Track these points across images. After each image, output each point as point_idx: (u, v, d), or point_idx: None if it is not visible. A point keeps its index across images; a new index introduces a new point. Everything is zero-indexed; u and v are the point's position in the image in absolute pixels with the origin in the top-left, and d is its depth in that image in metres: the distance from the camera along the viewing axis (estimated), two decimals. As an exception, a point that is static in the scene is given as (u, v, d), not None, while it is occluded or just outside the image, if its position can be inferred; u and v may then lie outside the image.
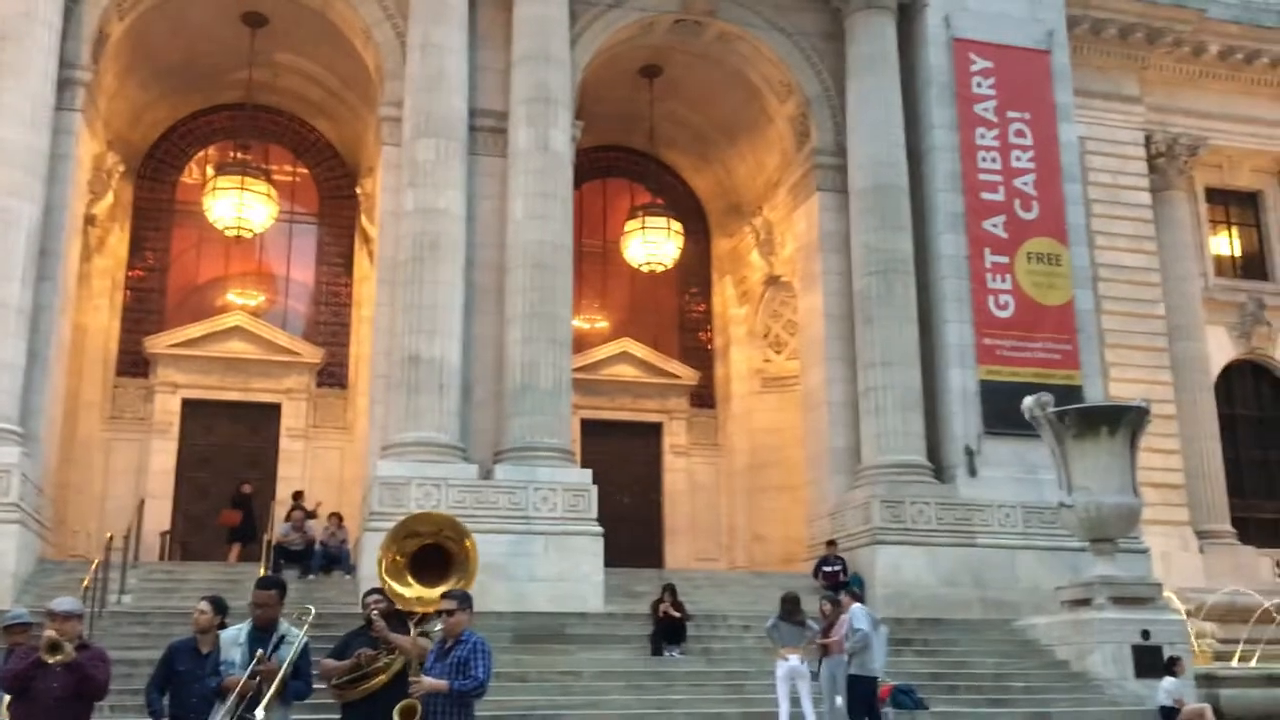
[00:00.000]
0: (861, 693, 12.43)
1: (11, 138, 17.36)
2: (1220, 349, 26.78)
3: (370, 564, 16.42)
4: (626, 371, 25.03)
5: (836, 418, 21.05)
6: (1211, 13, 26.51)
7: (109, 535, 16.61)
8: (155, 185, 24.10)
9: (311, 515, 19.87)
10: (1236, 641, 19.95)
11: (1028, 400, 17.09)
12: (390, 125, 19.78)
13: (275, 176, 22.92)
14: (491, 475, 18.04)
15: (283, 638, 6.95)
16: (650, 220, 23.74)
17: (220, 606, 7.62)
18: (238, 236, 21.97)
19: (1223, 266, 27.95)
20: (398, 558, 7.37)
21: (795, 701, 12.77)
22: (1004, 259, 20.88)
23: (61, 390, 19.30)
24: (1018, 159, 21.42)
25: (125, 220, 23.49)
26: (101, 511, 21.30)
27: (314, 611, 7.42)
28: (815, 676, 12.99)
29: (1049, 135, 21.77)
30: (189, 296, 23.96)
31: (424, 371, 18.01)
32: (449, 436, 18.01)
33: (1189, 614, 19.51)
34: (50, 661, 6.72)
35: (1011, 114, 21.65)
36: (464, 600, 7.18)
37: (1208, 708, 14.75)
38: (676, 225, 23.96)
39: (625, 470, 23.86)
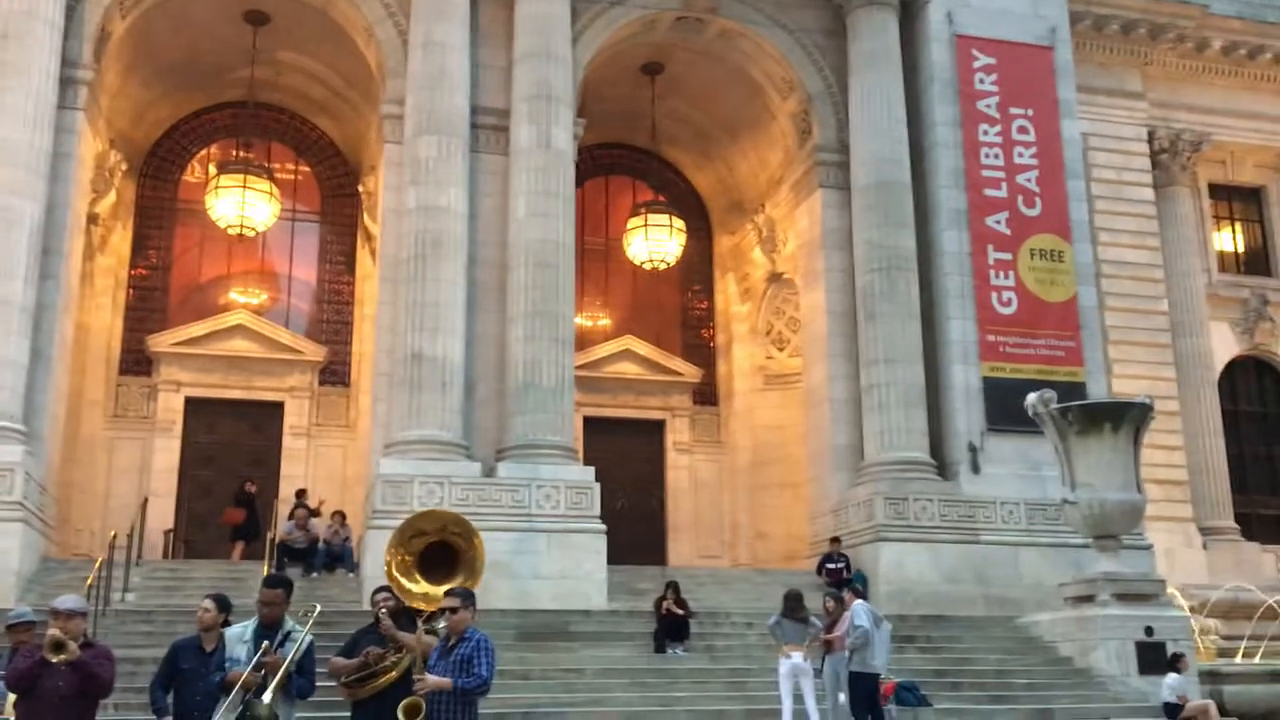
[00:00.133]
0: (863, 690, 12.43)
1: (14, 136, 17.36)
2: (1224, 345, 26.73)
3: (373, 562, 16.50)
4: (629, 369, 25.03)
5: (839, 414, 21.04)
6: (1214, 8, 26.46)
7: (112, 534, 16.62)
8: (158, 183, 24.11)
9: (314, 513, 19.89)
10: (1240, 638, 19.94)
11: (1031, 397, 17.06)
12: (392, 123, 19.77)
13: (277, 175, 22.93)
14: (494, 473, 18.05)
15: (288, 634, 6.96)
16: (652, 218, 23.74)
17: (224, 605, 7.62)
18: (240, 235, 21.97)
19: (1226, 262, 27.90)
20: (406, 557, 7.38)
21: (798, 699, 12.76)
22: (1007, 255, 20.86)
23: (65, 389, 19.32)
24: (1020, 155, 21.40)
25: (128, 218, 23.51)
26: (105, 510, 21.33)
27: (319, 609, 7.44)
28: (818, 674, 12.98)
29: (1052, 131, 21.74)
30: (192, 295, 23.98)
31: (426, 369, 18.01)
32: (452, 434, 18.02)
33: (1192, 610, 19.50)
34: (54, 660, 6.72)
35: (1014, 110, 21.63)
36: (467, 598, 7.18)
37: (1211, 704, 14.73)
38: (679, 223, 23.96)
39: (628, 468, 23.87)
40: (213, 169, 23.07)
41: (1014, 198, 21.19)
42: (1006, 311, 20.64)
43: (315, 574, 18.49)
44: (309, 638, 6.96)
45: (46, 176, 17.81)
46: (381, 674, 7.54)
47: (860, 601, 13.04)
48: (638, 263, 24.10)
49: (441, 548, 7.52)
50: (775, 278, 24.53)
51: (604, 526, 18.03)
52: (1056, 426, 16.67)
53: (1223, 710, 14.93)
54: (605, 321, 25.80)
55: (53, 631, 6.79)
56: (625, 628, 16.67)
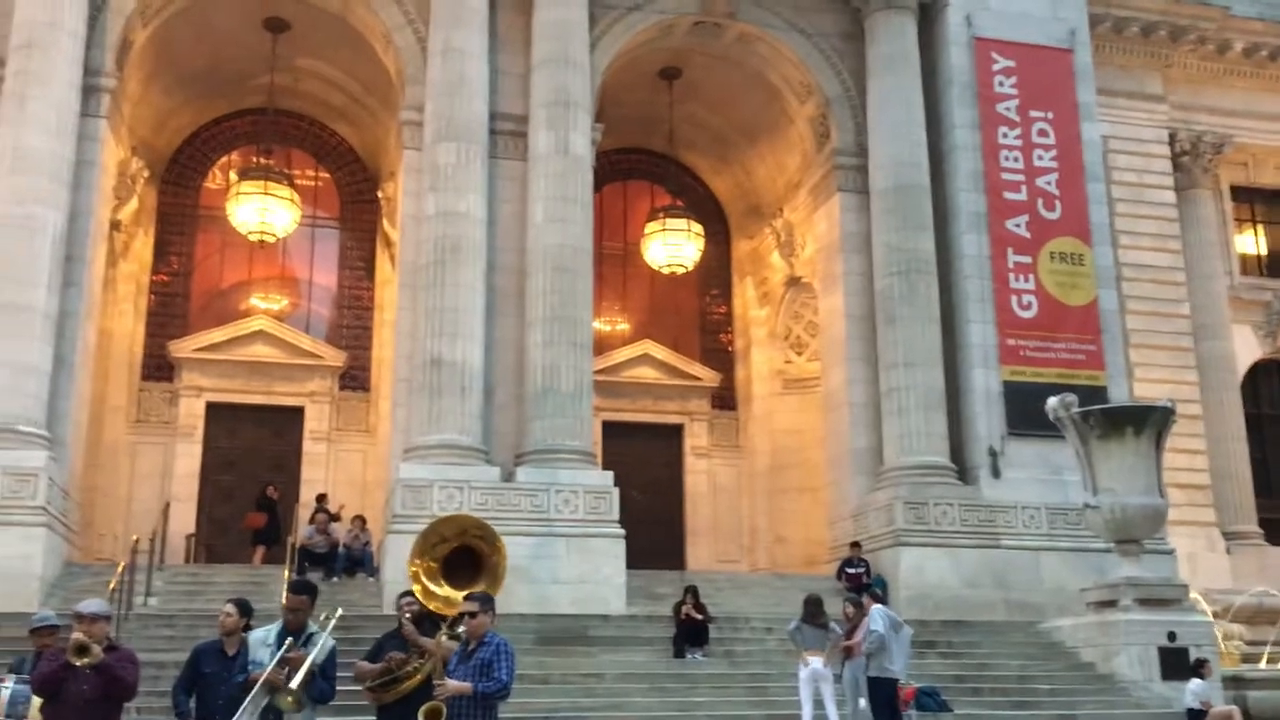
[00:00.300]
0: (881, 695, 12.37)
1: (37, 145, 17.51)
2: (1246, 348, 26.55)
3: (393, 566, 16.55)
4: (647, 373, 25.04)
5: (858, 419, 20.99)
6: (1235, 10, 26.32)
7: (135, 538, 16.72)
8: (179, 190, 24.27)
9: (335, 518, 19.98)
10: (1264, 643, 19.73)
11: (1052, 401, 16.99)
12: (411, 129, 19.85)
13: (297, 181, 23.04)
14: (513, 478, 18.08)
15: (310, 637, 6.98)
16: (670, 222, 23.75)
17: (245, 609, 7.67)
18: (261, 241, 22.10)
19: (1248, 265, 27.71)
20: (431, 564, 7.42)
21: (819, 704, 12.72)
22: (1027, 259, 20.78)
23: (87, 395, 19.45)
24: (1040, 158, 21.32)
25: (150, 225, 23.67)
26: (127, 515, 21.47)
27: (340, 613, 7.47)
28: (839, 679, 12.93)
29: (1072, 134, 21.65)
30: (213, 301, 24.13)
31: (446, 374, 18.07)
32: (471, 439, 18.06)
33: (1216, 615, 19.36)
34: (78, 663, 6.77)
35: (1034, 113, 21.55)
36: (486, 602, 7.20)
37: (1235, 710, 14.63)
38: (697, 227, 23.96)
39: (646, 472, 23.87)
40: (233, 175, 23.20)
41: (1034, 201, 21.11)
42: (1027, 315, 20.56)
43: (335, 578, 18.56)
44: (331, 641, 6.98)
45: (69, 184, 17.94)
46: (404, 679, 7.59)
47: (878, 606, 12.99)
48: (656, 267, 24.12)
49: (464, 552, 7.54)
50: (794, 282, 24.50)
51: (623, 531, 18.03)
52: (1078, 431, 16.59)
53: (1247, 716, 14.84)
54: (624, 326, 25.83)
55: (77, 635, 6.84)
56: (644, 632, 16.67)
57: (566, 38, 19.91)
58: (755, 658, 16.16)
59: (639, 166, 26.43)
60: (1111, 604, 16.49)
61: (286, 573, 16.46)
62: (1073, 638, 17.14)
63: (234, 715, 6.70)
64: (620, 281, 25.74)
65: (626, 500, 18.50)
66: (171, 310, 23.68)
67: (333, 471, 22.94)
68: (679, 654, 15.92)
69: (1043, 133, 21.54)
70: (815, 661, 12.73)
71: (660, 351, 25.17)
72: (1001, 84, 21.56)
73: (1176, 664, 15.41)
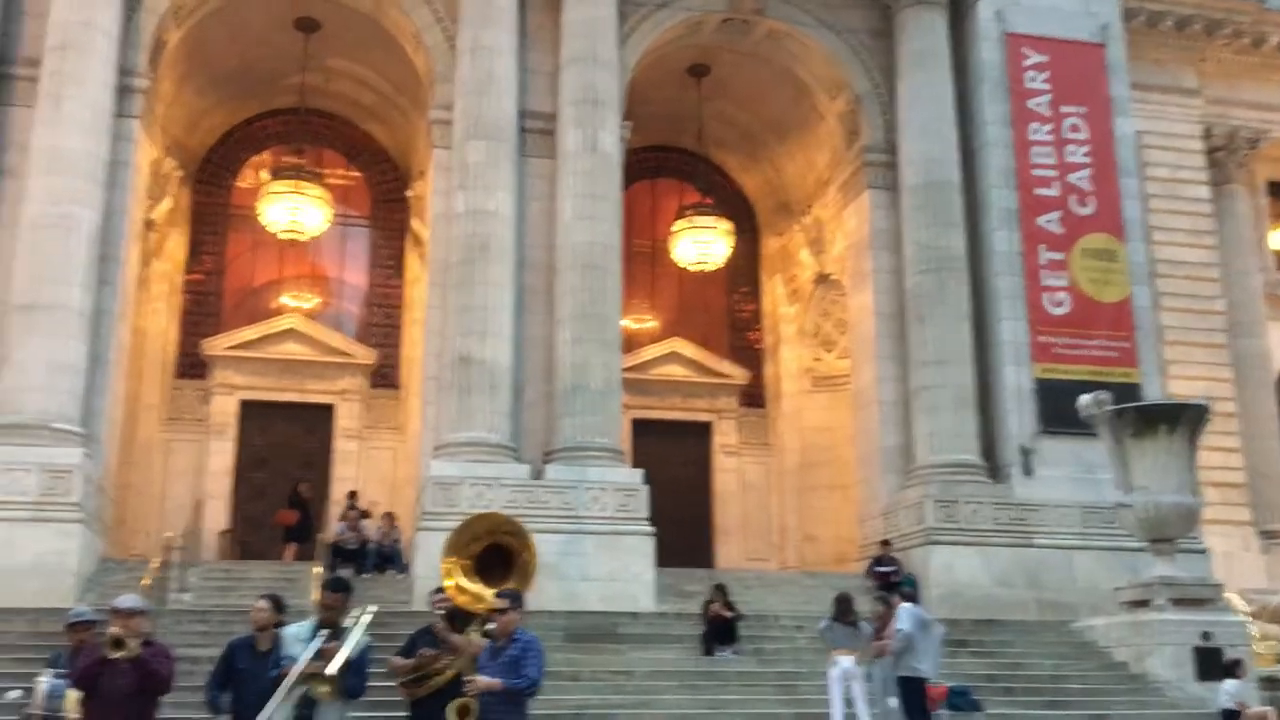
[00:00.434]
0: (908, 694, 12.30)
1: (73, 145, 17.70)
2: (1283, 345, 26.24)
3: (423, 562, 16.64)
4: (676, 371, 25.03)
5: (888, 416, 20.90)
6: (1271, 3, 26.02)
7: (169, 535, 16.92)
8: (212, 190, 24.48)
9: (366, 515, 20.11)
10: (1301, 644, 19.52)
11: (1084, 399, 16.86)
12: (441, 128, 19.93)
13: (328, 180, 23.17)
14: (542, 475, 18.12)
15: (344, 632, 7.03)
16: (699, 220, 23.70)
17: (279, 605, 7.73)
18: (292, 240, 22.25)
19: (1285, 261, 27.37)
20: (465, 561, 7.46)
21: (850, 703, 12.66)
22: (1059, 255, 20.63)
23: (122, 392, 19.65)
24: (1073, 154, 21.15)
25: (183, 224, 23.88)
26: (161, 511, 21.68)
27: (374, 609, 7.51)
28: (870, 678, 12.87)
29: (1105, 129, 21.46)
30: (245, 299, 24.33)
31: (475, 372, 18.13)
32: (500, 437, 18.12)
33: (1251, 615, 19.12)
34: (114, 657, 6.84)
35: (1066, 108, 21.37)
36: (515, 599, 7.21)
37: (1270, 711, 14.44)
38: (725, 224, 23.91)
39: (675, 470, 23.83)
40: (265, 175, 23.38)
41: (1066, 197, 20.94)
42: (1059, 312, 20.40)
43: (366, 574, 18.67)
44: (365, 638, 7.02)
45: (104, 184, 18.13)
46: (434, 675, 7.63)
47: (906, 605, 12.90)
48: (684, 265, 24.08)
49: (495, 550, 7.58)
50: (823, 279, 24.42)
51: (652, 529, 18.03)
52: (1111, 429, 16.45)
53: (1283, 718, 14.65)
54: (652, 324, 25.82)
55: (114, 629, 6.92)
56: (673, 630, 16.66)
57: (595, 36, 19.92)
58: (785, 656, 16.12)
59: (668, 164, 26.42)
60: (1145, 603, 16.35)
61: (318, 569, 16.58)
62: (1106, 637, 16.99)
63: (270, 709, 6.74)
64: (649, 279, 25.73)
65: (655, 498, 18.50)
66: (205, 308, 23.89)
67: (363, 469, 23.09)
68: (708, 652, 15.91)
69: (1075, 128, 21.35)
70: (846, 660, 12.68)
71: (689, 349, 25.15)
72: (1033, 79, 21.39)
73: (1211, 664, 15.25)
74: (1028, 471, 19.64)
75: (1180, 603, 16.04)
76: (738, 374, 25.47)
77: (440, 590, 8.04)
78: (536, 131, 20.03)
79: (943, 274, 20.27)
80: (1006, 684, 15.40)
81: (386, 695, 8.60)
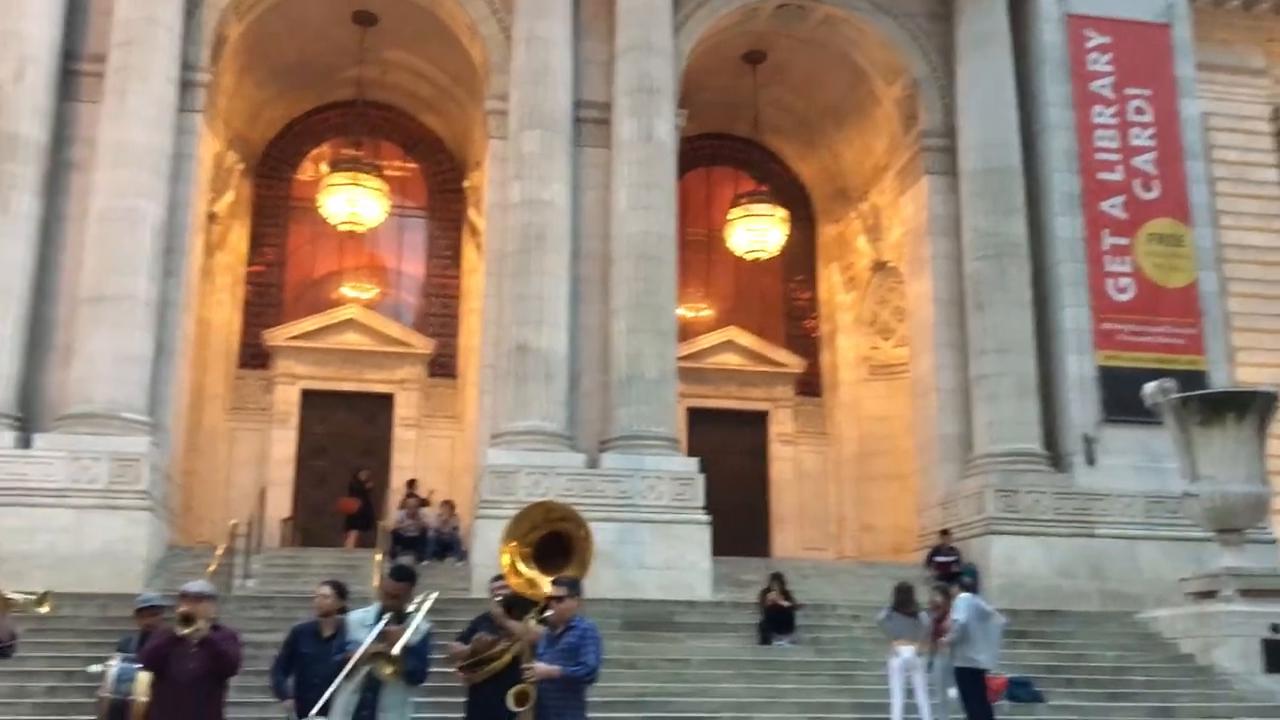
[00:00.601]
0: (966, 685, 12.19)
1: (138, 140, 18.04)
2: (1355, 331, 25.52)
3: (481, 550, 16.79)
4: (732, 360, 24.95)
5: (946, 405, 20.70)
6: (1344, -21, 25.27)
7: (233, 522, 17.19)
8: (273, 182, 24.81)
9: (425, 503, 20.31)
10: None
11: (1149, 386, 16.56)
12: (496, 119, 20.02)
13: (386, 171, 23.36)
14: (598, 464, 18.18)
15: (407, 617, 7.11)
16: (754, 208, 23.56)
17: (341, 591, 7.84)
18: (350, 231, 22.49)
19: (1358, 245, 26.61)
20: (524, 549, 7.51)
21: (910, 694, 12.58)
22: (1123, 240, 20.29)
23: (187, 382, 20.02)
24: (1137, 137, 20.76)
25: (245, 216, 24.23)
26: (226, 499, 22.03)
27: (436, 595, 7.59)
28: (931, 668, 12.77)
29: (1170, 111, 21.04)
30: (306, 290, 24.65)
31: (531, 361, 18.22)
32: (556, 425, 18.20)
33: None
34: (184, 633, 6.98)
35: (1130, 90, 20.98)
36: (573, 587, 7.23)
37: (1344, 706, 14.14)
38: (781, 212, 23.75)
39: (731, 459, 23.78)
40: (324, 167, 23.66)
41: (1130, 181, 20.57)
42: (1123, 298, 20.06)
43: (425, 562, 18.85)
44: (426, 624, 7.09)
45: (168, 177, 18.44)
46: (491, 660, 7.71)
47: (965, 595, 12.76)
48: (740, 253, 23.97)
49: (553, 538, 7.62)
50: (880, 266, 24.21)
51: (708, 518, 18.03)
52: (1177, 417, 16.16)
53: (1356, 712, 14.31)
54: (708, 313, 25.76)
55: (183, 608, 7.07)
56: (730, 619, 16.66)
57: (650, 24, 19.89)
58: (842, 645, 16.05)
59: (723, 152, 26.30)
60: (1212, 594, 16.07)
61: (378, 556, 16.78)
62: (1171, 629, 16.71)
63: (333, 689, 6.83)
64: (704, 268, 25.66)
65: (711, 487, 18.48)
66: (266, 299, 24.23)
67: (421, 457, 23.31)
68: (765, 641, 15.89)
69: (1139, 110, 20.96)
70: (906, 650, 12.59)
71: (745, 338, 25.06)
72: (1096, 61, 21.02)
73: (1280, 657, 14.97)
74: (1090, 460, 19.37)
75: (1248, 594, 15.73)
76: (794, 363, 25.34)
77: (500, 577, 8.10)
78: (591, 121, 20.05)
79: (1003, 260, 20.01)
80: (1068, 675, 15.20)
81: (447, 681, 8.69)
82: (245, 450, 22.94)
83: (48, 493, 16.43)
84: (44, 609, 7.23)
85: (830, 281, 26.03)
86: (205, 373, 22.43)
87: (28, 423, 17.27)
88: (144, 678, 7.67)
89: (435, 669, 7.54)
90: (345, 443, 23.33)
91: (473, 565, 17.36)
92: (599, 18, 20.42)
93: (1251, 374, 22.54)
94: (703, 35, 21.16)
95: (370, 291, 24.68)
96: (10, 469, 16.49)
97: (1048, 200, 20.60)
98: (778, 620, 15.99)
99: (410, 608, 7.13)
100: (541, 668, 6.89)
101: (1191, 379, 18.53)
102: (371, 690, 6.77)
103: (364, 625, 6.95)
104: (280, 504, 22.20)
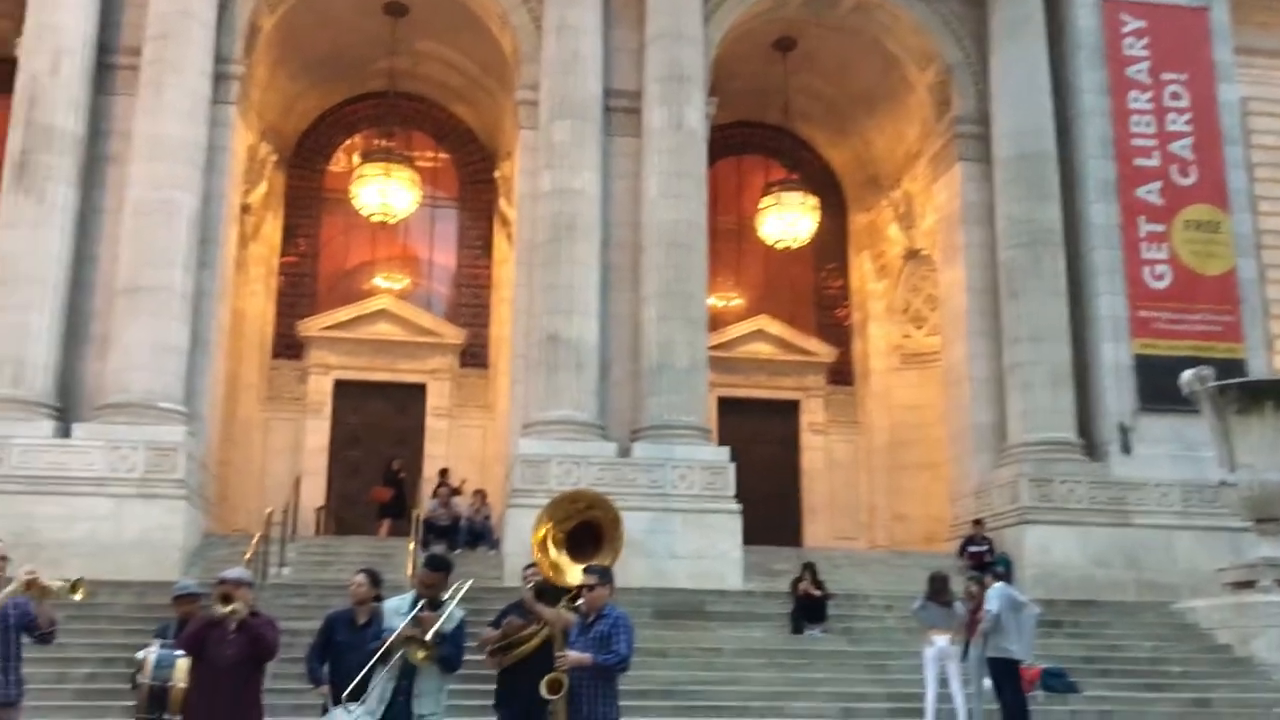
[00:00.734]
0: (999, 675, 12.12)
1: (173, 132, 18.19)
2: (1397, 318, 25.10)
3: (513, 538, 16.86)
4: (763, 349, 24.89)
5: (979, 393, 20.56)
6: (1387, -41, 24.79)
7: (268, 511, 17.34)
8: (305, 173, 24.96)
9: (457, 492, 20.41)
10: None
11: (1186, 374, 16.38)
12: (527, 109, 20.03)
13: (417, 162, 23.45)
14: (629, 453, 18.20)
15: (441, 604, 7.15)
16: (785, 196, 23.46)
17: (376, 579, 7.89)
18: (383, 221, 22.60)
19: (1401, 230, 26.15)
20: (557, 534, 7.53)
21: (944, 683, 12.53)
22: (1160, 227, 20.06)
23: (222, 372, 20.20)
24: (1174, 122, 20.50)
25: (278, 208, 24.40)
26: (261, 488, 22.24)
27: (471, 582, 7.62)
28: (966, 658, 12.70)
29: (1207, 96, 20.76)
30: (339, 281, 24.80)
31: (562, 351, 18.25)
32: (587, 415, 18.24)
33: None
34: (223, 613, 7.06)
35: (1166, 75, 20.71)
36: (604, 575, 7.23)
37: (1386, 698, 13.95)
38: (812, 200, 23.64)
39: (762, 448, 23.75)
40: (356, 158, 23.78)
41: (1167, 167, 20.33)
42: (1159, 286, 19.84)
43: (457, 550, 18.93)
44: (460, 612, 7.13)
45: (202, 169, 18.59)
46: (519, 643, 7.75)
47: (998, 584, 12.67)
48: (770, 242, 23.88)
49: (585, 527, 7.63)
50: (912, 254, 24.06)
51: (739, 507, 18.01)
52: (1214, 405, 15.97)
53: (1398, 704, 14.11)
54: (738, 301, 25.70)
55: (222, 588, 7.15)
56: (762, 608, 16.65)
57: (680, 12, 19.83)
58: (874, 635, 16.02)
59: (753, 140, 26.20)
60: (1250, 584, 15.92)
61: (411, 545, 16.90)
62: (1208, 619, 16.56)
63: (369, 677, 6.88)
64: (735, 257, 25.59)
65: (742, 476, 18.45)
66: (300, 290, 24.41)
67: (453, 447, 23.42)
68: (797, 630, 15.88)
69: (1176, 95, 20.69)
70: (941, 640, 12.54)
71: (775, 327, 24.99)
72: (1132, 46, 20.76)
73: (1320, 649, 14.78)
74: (1126, 449, 19.20)
75: (1288, 585, 15.55)
76: (825, 352, 25.25)
77: (532, 565, 8.14)
78: (621, 110, 20.03)
79: (1037, 248, 19.84)
80: (1104, 666, 15.10)
81: (481, 669, 8.74)
82: (279, 440, 23.14)
83: (87, 481, 16.65)
84: (77, 596, 7.30)
85: (861, 270, 25.90)
86: (240, 363, 22.62)
87: (66, 412, 17.50)
88: (182, 664, 7.75)
89: (469, 656, 7.58)
90: (378, 432, 23.48)
91: (505, 554, 17.44)
92: (629, 6, 20.39)
93: (1291, 362, 22.25)
94: (733, 23, 21.07)
95: (402, 282, 24.81)
96: (50, 458, 16.71)
97: (1083, 187, 20.39)
98: (809, 610, 15.97)
99: (445, 595, 7.17)
100: (574, 656, 6.91)
101: (1229, 367, 18.33)
102: (407, 677, 6.81)
103: (398, 613, 6.99)
104: (314, 493, 22.38)
